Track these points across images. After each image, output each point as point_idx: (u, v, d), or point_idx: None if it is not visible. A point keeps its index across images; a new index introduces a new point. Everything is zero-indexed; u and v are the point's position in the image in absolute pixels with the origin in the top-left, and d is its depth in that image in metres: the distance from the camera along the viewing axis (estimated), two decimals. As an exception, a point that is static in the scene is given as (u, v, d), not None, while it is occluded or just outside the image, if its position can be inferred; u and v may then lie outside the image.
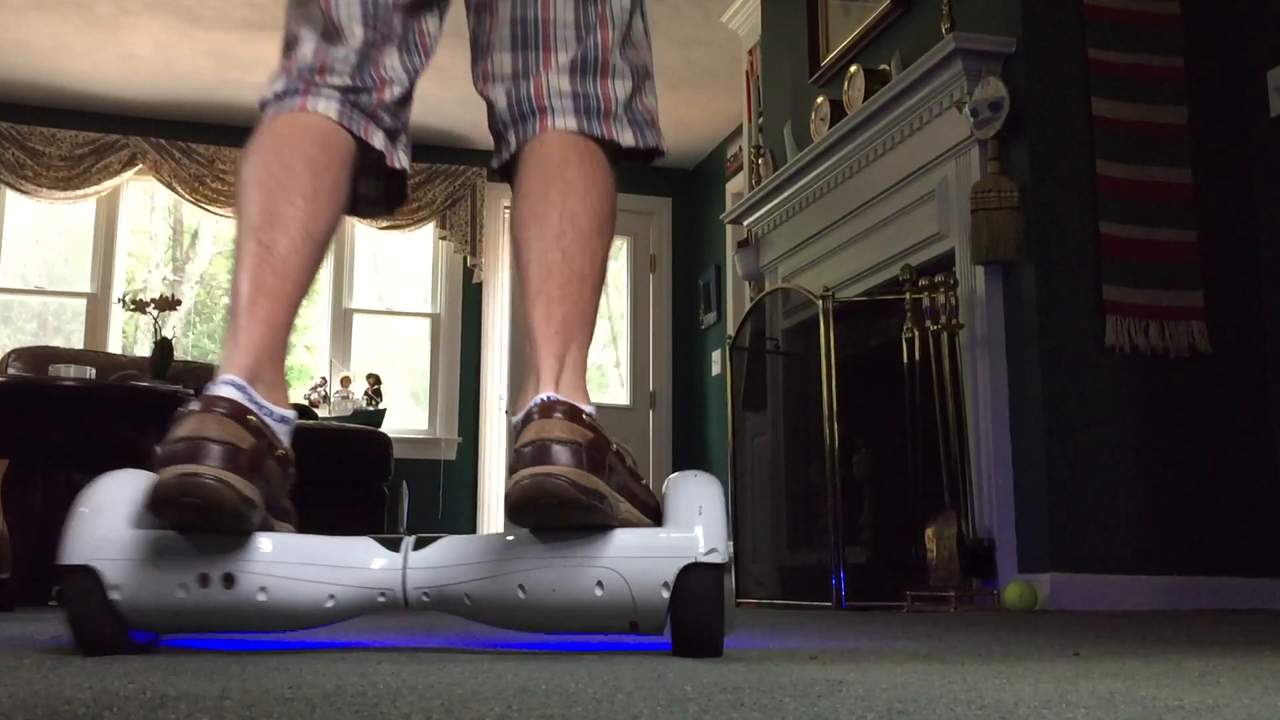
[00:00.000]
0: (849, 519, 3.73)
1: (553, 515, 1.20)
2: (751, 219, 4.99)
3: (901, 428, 3.54)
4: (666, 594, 1.20)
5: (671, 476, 1.32)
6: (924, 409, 3.47)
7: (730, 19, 5.66)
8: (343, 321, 7.12)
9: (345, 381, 6.82)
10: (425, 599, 1.26)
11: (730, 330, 5.54)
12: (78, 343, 6.79)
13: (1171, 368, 3.43)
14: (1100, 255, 3.42)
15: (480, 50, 1.55)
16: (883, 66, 4.12)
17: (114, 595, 1.19)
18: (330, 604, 1.24)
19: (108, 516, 1.22)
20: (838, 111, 4.29)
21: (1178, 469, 3.39)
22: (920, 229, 3.83)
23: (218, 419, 1.18)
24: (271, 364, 1.28)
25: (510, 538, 1.26)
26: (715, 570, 1.20)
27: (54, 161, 6.60)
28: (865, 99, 4.04)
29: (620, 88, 1.47)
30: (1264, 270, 3.55)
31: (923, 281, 3.51)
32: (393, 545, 1.29)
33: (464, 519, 6.97)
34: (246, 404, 1.21)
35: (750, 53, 5.62)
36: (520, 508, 1.20)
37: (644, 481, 1.36)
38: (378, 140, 1.46)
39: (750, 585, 4.30)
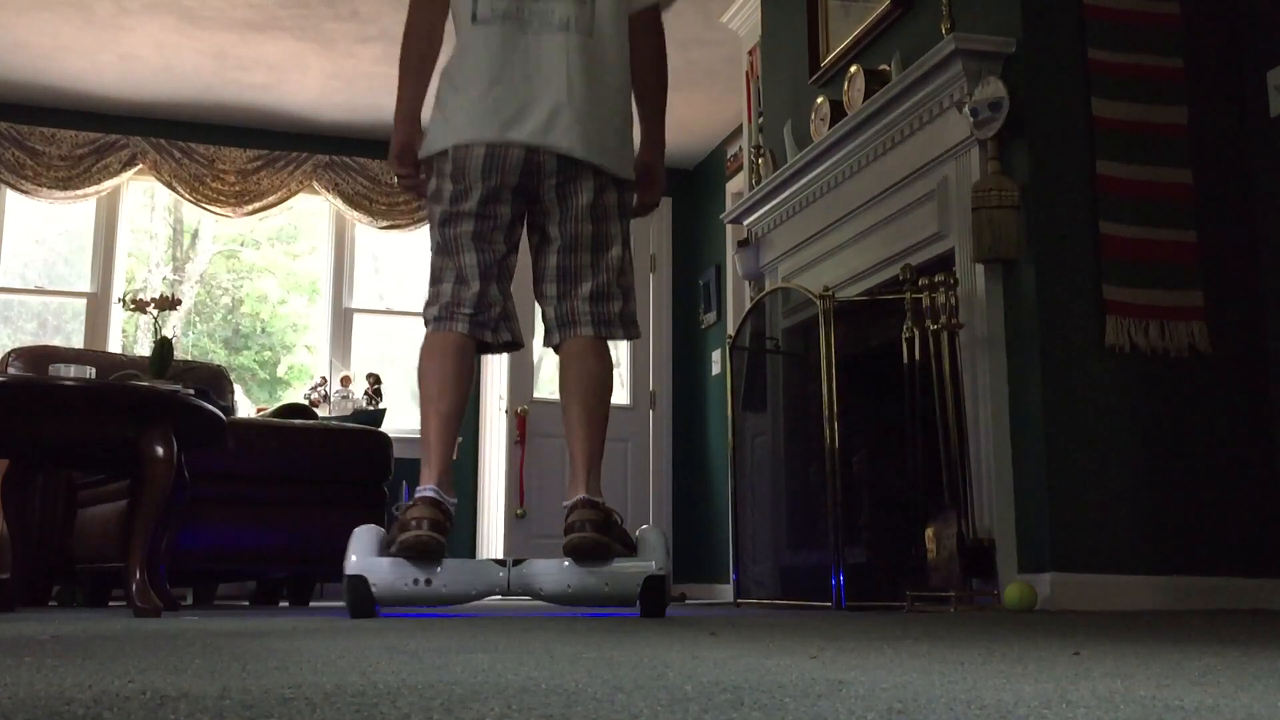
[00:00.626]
0: (849, 519, 3.73)
1: (586, 556, 2.61)
2: (751, 219, 4.99)
3: (901, 428, 3.54)
4: (638, 589, 2.66)
5: (640, 529, 2.77)
6: (924, 409, 3.47)
7: (730, 19, 5.66)
8: (343, 321, 7.12)
9: (345, 381, 6.82)
10: (521, 590, 2.63)
11: (730, 330, 5.54)
12: (78, 342, 6.79)
13: (1171, 367, 3.43)
14: (1100, 255, 3.42)
15: (537, 277, 2.79)
16: (883, 67, 4.12)
17: (374, 589, 2.55)
18: (473, 591, 2.62)
19: (367, 548, 2.58)
20: (838, 112, 4.29)
21: (1178, 469, 3.39)
22: (920, 229, 3.83)
23: (429, 506, 2.57)
24: (446, 473, 2.66)
25: (566, 562, 2.64)
26: (662, 578, 2.69)
27: (54, 161, 6.60)
28: (865, 99, 4.04)
29: (616, 306, 2.76)
30: (1264, 270, 3.55)
31: (923, 281, 3.51)
32: (502, 564, 2.66)
33: (464, 519, 6.98)
34: (438, 499, 2.60)
35: (750, 53, 5.62)
36: (571, 552, 2.61)
37: (625, 524, 2.74)
38: (489, 338, 2.76)
39: (750, 585, 4.30)
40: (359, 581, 2.53)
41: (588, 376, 2.71)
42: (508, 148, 2.64)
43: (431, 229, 2.76)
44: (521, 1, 2.67)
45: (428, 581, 2.54)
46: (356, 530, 2.63)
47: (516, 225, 2.75)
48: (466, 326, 2.68)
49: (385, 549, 2.58)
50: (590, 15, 2.72)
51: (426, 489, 2.57)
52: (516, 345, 2.75)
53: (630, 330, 2.77)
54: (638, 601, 2.65)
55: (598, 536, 2.56)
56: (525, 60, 2.66)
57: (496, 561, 2.66)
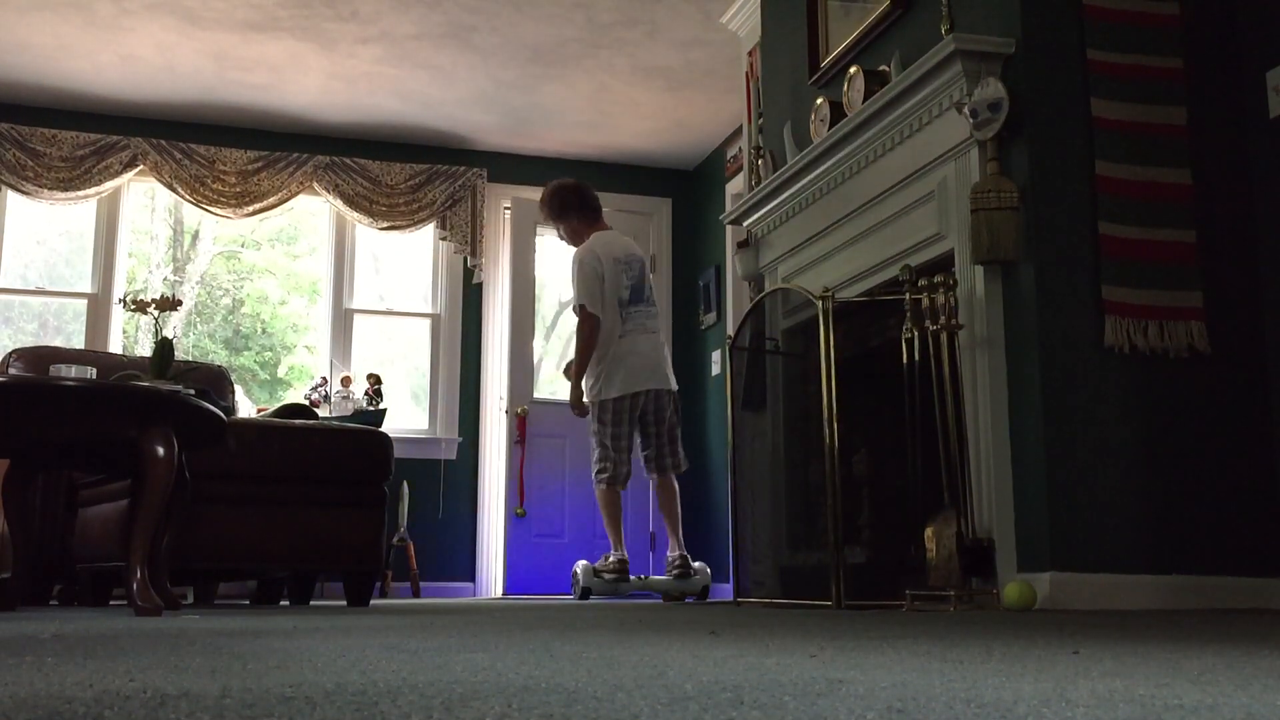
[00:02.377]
0: (849, 519, 3.73)
1: (677, 586, 5.21)
2: (751, 220, 4.99)
3: (901, 427, 3.55)
4: (696, 591, 5.22)
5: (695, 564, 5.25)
6: (924, 409, 3.47)
7: (730, 19, 5.66)
8: (343, 322, 7.12)
9: (346, 381, 6.82)
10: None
11: (730, 330, 5.54)
12: (78, 343, 6.79)
13: (1171, 368, 3.43)
14: (1100, 255, 3.42)
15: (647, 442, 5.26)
16: (882, 67, 4.12)
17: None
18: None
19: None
20: (837, 112, 4.29)
21: (1177, 468, 3.39)
22: (920, 229, 3.84)
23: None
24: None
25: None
26: (707, 588, 5.27)
27: (55, 162, 6.60)
28: (865, 100, 4.04)
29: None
30: (1264, 270, 3.55)
31: (922, 282, 3.52)
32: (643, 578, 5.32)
33: (464, 518, 6.98)
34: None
35: (750, 53, 5.62)
36: (669, 590, 5.24)
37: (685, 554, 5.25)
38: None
39: (750, 585, 4.30)
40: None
41: (673, 497, 5.21)
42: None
43: None
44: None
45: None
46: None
47: None
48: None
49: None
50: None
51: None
52: None
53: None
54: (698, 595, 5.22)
55: (680, 581, 5.19)
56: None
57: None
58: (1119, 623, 2.29)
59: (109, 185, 6.72)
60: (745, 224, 5.06)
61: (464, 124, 6.95)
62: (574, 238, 5.38)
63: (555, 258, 7.31)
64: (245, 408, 6.54)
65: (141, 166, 6.75)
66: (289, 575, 4.64)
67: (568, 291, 9.12)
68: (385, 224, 7.09)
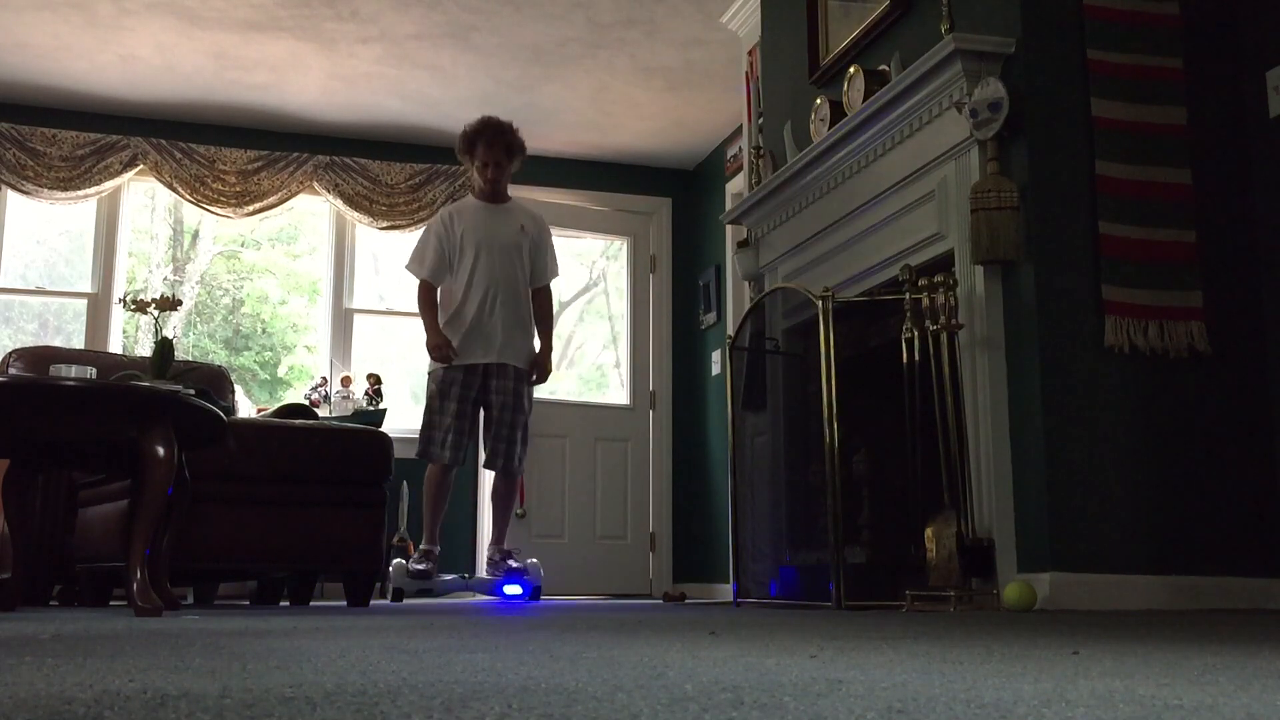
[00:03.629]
0: (849, 519, 3.73)
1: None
2: (751, 219, 4.99)
3: (901, 428, 3.54)
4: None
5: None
6: (924, 409, 3.47)
7: (730, 19, 5.66)
8: (343, 321, 7.12)
9: (346, 381, 6.82)
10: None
11: (730, 330, 5.54)
12: (78, 343, 6.79)
13: (1171, 368, 3.43)
14: (1100, 255, 3.42)
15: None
16: (882, 67, 4.12)
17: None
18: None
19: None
20: (837, 112, 4.29)
21: (1177, 469, 3.39)
22: (920, 229, 3.84)
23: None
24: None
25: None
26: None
27: (55, 162, 6.60)
28: (865, 99, 4.04)
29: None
30: (1264, 270, 3.55)
31: (922, 282, 3.52)
32: (466, 577, 4.76)
33: (464, 518, 6.98)
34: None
35: (750, 53, 5.62)
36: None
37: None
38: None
39: (750, 585, 4.30)
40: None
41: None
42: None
43: None
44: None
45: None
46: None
47: None
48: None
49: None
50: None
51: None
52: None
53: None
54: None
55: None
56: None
57: None
58: (1119, 623, 2.29)
59: (109, 185, 6.72)
60: (745, 224, 5.06)
61: (463, 124, 6.94)
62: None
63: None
64: (245, 408, 6.54)
65: (141, 166, 6.75)
66: (289, 575, 4.64)
67: (567, 291, 9.13)
68: (385, 224, 7.09)
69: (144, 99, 6.64)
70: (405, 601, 4.78)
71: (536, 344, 4.91)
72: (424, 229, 5.09)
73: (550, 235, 5.06)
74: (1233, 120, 3.63)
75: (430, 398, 4.76)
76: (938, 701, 0.78)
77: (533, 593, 4.83)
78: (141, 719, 0.68)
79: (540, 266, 4.95)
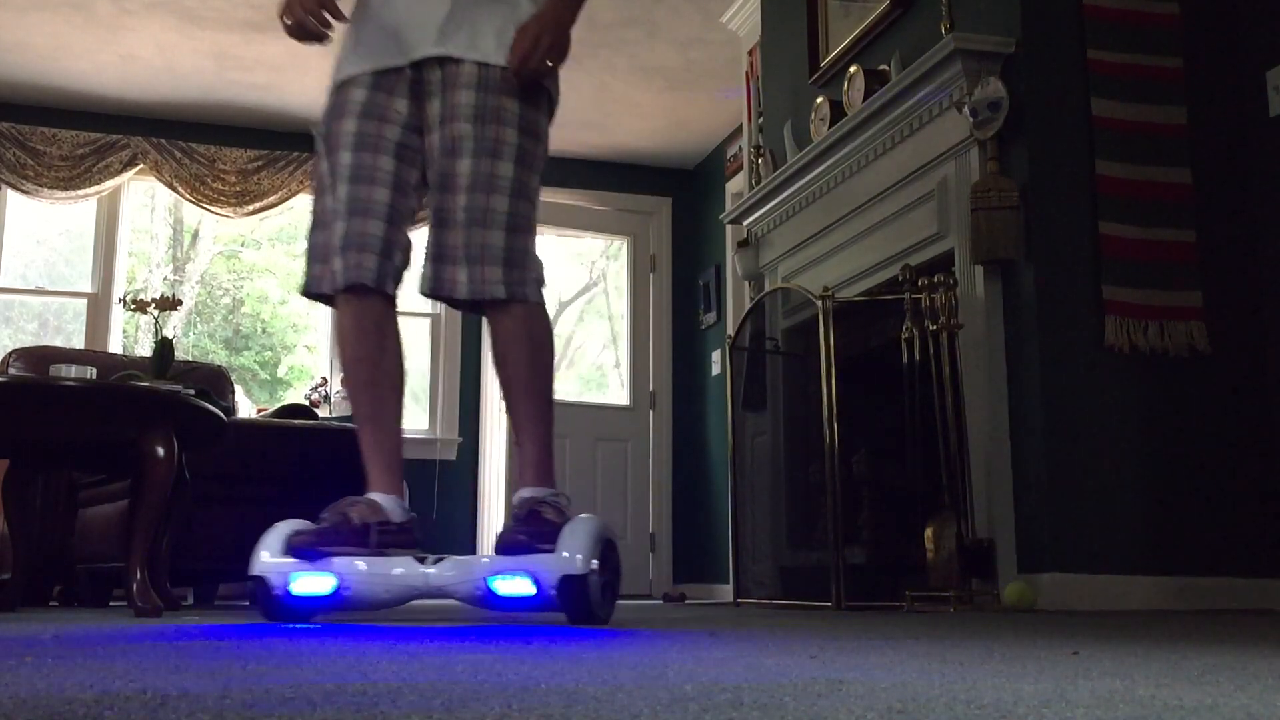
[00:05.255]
0: (849, 519, 3.73)
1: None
2: (751, 219, 4.99)
3: (901, 428, 3.54)
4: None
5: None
6: (923, 409, 3.47)
7: (730, 19, 5.66)
8: (343, 321, 7.11)
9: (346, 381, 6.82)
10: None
11: (730, 330, 5.54)
12: (78, 343, 6.79)
13: (1171, 368, 3.43)
14: (1100, 255, 3.42)
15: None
16: (882, 67, 4.12)
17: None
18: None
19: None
20: (837, 112, 4.29)
21: (1177, 469, 3.39)
22: (920, 229, 3.83)
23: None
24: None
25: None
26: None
27: (55, 162, 6.60)
28: (865, 99, 4.04)
29: None
30: (1264, 270, 3.55)
31: (922, 281, 3.51)
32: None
33: (463, 518, 6.98)
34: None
35: (750, 53, 5.62)
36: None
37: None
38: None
39: (750, 585, 4.30)
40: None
41: None
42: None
43: None
44: None
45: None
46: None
47: None
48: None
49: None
50: None
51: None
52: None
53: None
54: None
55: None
56: None
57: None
58: (1119, 623, 2.29)
59: (109, 184, 6.72)
60: (745, 223, 5.06)
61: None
62: None
63: (555, 257, 7.31)
64: (245, 408, 6.54)
65: (141, 166, 6.75)
66: (289, 575, 4.62)
67: (567, 291, 9.12)
68: (385, 224, 7.08)
69: (144, 99, 6.64)
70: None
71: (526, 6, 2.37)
72: None
73: None
74: (1233, 120, 3.63)
75: (316, 173, 2.39)
76: (938, 701, 0.78)
77: (567, 596, 2.02)
78: (141, 719, 0.68)
79: None
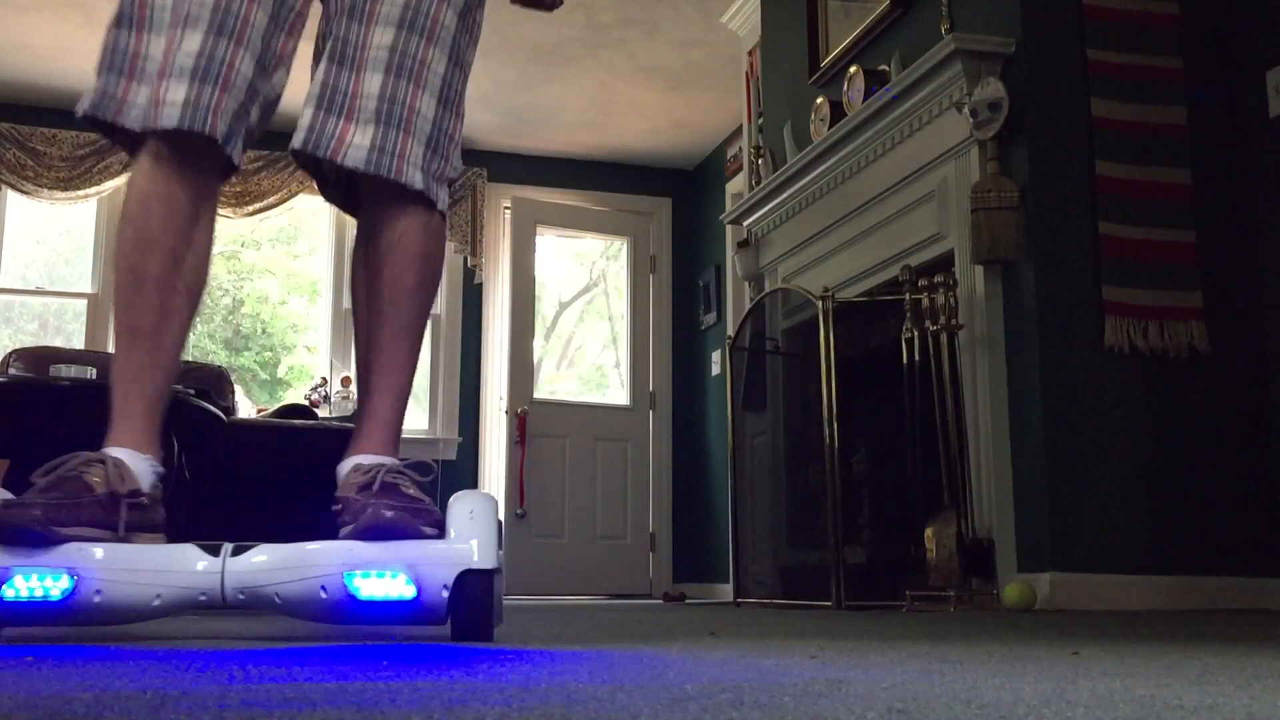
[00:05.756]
0: (849, 519, 3.73)
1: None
2: (751, 219, 4.99)
3: (901, 428, 3.54)
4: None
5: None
6: (924, 409, 3.47)
7: (730, 19, 5.66)
8: (343, 322, 7.12)
9: (346, 382, 6.83)
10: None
11: (730, 330, 5.54)
12: (78, 343, 6.79)
13: (1171, 368, 3.43)
14: (1100, 255, 3.42)
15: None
16: (882, 67, 4.12)
17: None
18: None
19: None
20: (837, 112, 4.29)
21: (1177, 469, 3.39)
22: (920, 229, 3.84)
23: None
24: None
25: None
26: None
27: (55, 162, 6.60)
28: (865, 99, 4.05)
29: None
30: (1263, 270, 3.55)
31: (922, 282, 3.52)
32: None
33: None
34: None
35: (750, 53, 5.62)
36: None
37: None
38: None
39: (750, 585, 4.30)
40: None
41: None
42: None
43: None
44: None
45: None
46: None
47: None
48: None
49: None
50: None
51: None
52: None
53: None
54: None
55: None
56: None
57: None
58: (1119, 623, 2.29)
59: (109, 185, 6.72)
60: (745, 224, 5.06)
61: (464, 124, 6.94)
62: None
63: (555, 257, 7.32)
64: (245, 408, 6.54)
65: (141, 166, 6.74)
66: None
67: (568, 291, 9.13)
68: (385, 224, 7.09)
69: (144, 99, 6.64)
70: None
71: None
72: None
73: None
74: (1233, 120, 3.63)
75: None
76: (938, 701, 0.78)
77: (463, 601, 1.40)
78: (141, 719, 0.68)
79: None
